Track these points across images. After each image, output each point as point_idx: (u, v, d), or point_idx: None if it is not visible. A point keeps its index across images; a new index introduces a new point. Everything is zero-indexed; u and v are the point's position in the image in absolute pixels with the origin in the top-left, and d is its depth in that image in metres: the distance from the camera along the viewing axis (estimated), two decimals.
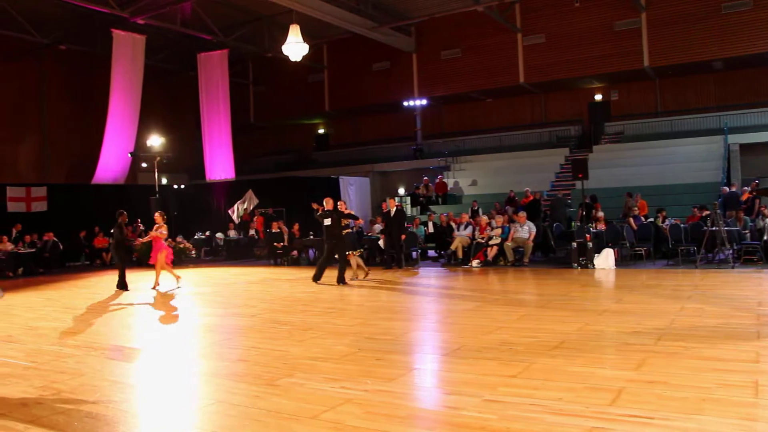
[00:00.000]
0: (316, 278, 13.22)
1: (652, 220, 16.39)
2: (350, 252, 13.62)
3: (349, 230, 13.72)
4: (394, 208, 16.27)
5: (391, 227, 16.15)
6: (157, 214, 13.49)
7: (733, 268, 12.91)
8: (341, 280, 12.84)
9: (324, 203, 13.39)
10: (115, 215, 13.33)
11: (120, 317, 10.01)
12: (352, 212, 13.65)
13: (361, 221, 13.61)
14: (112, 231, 13.68)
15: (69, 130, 29.45)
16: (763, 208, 15.98)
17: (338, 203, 13.63)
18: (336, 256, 13.19)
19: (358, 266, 13.80)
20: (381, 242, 17.08)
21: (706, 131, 25.21)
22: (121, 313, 10.37)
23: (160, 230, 13.19)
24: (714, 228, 13.28)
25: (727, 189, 17.92)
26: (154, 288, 13.13)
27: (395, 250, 16.23)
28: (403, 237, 16.36)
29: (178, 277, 13.46)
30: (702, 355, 5.83)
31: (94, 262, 21.72)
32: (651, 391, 4.77)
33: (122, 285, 13.17)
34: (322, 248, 13.53)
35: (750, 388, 4.78)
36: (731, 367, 5.38)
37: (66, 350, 7.30)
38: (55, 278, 17.04)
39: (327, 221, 13.06)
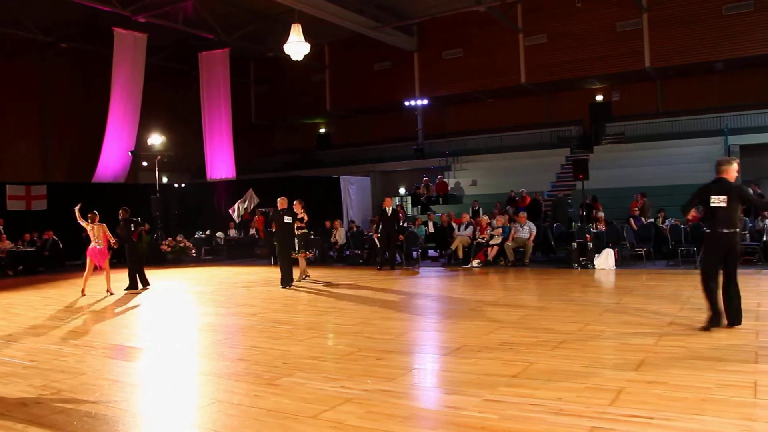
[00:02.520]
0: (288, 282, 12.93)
1: (652, 220, 16.38)
2: (303, 252, 13.60)
3: (304, 231, 13.63)
4: (391, 208, 16.24)
5: (388, 227, 16.10)
6: (90, 216, 12.62)
7: None
8: (288, 283, 12.73)
9: (278, 203, 13.30)
10: (119, 213, 13.24)
11: (120, 316, 10.02)
12: (305, 216, 13.55)
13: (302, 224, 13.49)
14: (118, 230, 13.40)
15: (70, 129, 29.46)
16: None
17: (294, 203, 13.47)
18: (290, 255, 13.09)
19: (300, 267, 13.77)
20: (376, 240, 17.10)
21: (707, 132, 25.21)
22: (120, 312, 10.37)
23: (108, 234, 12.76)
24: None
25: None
26: (111, 292, 12.58)
27: (390, 250, 16.19)
28: (401, 237, 16.33)
29: (84, 289, 12.54)
30: (701, 355, 5.84)
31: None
32: (651, 391, 4.77)
33: (145, 282, 13.33)
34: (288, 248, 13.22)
35: (749, 388, 4.79)
36: (731, 367, 5.38)
37: (66, 349, 7.31)
38: (55, 277, 17.05)
39: (288, 219, 12.94)
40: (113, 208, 13.50)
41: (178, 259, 20.64)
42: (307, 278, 13.82)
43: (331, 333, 7.94)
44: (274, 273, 15.84)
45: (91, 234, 12.54)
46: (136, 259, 13.44)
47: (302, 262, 13.82)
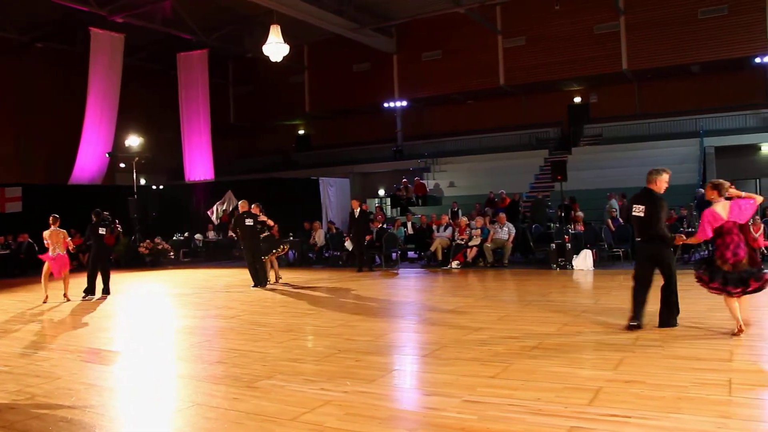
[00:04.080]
0: (262, 283, 12.97)
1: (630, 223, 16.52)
2: (272, 253, 13.54)
3: (267, 233, 13.59)
4: (358, 209, 16.24)
5: (357, 229, 16.11)
6: (51, 219, 11.94)
7: None
8: (262, 283, 12.81)
9: (239, 206, 13.27)
10: (92, 215, 12.64)
11: (96, 319, 9.89)
12: (269, 221, 13.55)
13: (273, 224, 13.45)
14: (88, 234, 12.80)
15: (46, 130, 29.01)
16: None
17: (252, 206, 13.40)
18: (254, 257, 13.07)
19: (273, 269, 13.72)
20: (347, 244, 17.10)
21: (683, 134, 25.55)
22: (97, 316, 10.25)
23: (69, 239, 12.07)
24: (690, 229, 13.44)
25: (702, 191, 18.12)
26: (68, 298, 11.96)
27: (360, 252, 16.20)
28: (368, 238, 16.35)
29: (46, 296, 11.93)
30: (678, 354, 5.90)
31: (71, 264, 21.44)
32: (629, 391, 4.81)
33: (106, 289, 12.57)
34: (255, 250, 13.19)
35: (724, 386, 4.86)
36: (706, 366, 5.46)
37: (41, 353, 7.21)
38: (30, 280, 16.79)
39: (249, 221, 12.91)
40: (90, 211, 13.23)
41: (156, 261, 20.46)
42: (279, 281, 13.74)
43: (310, 335, 7.92)
44: None
45: (49, 240, 11.69)
46: (99, 264, 12.50)
47: (274, 263, 13.74)
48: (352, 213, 16.34)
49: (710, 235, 6.63)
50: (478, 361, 5.94)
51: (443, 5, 24.84)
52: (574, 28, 26.45)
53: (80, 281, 12.73)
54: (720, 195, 6.64)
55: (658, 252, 7.01)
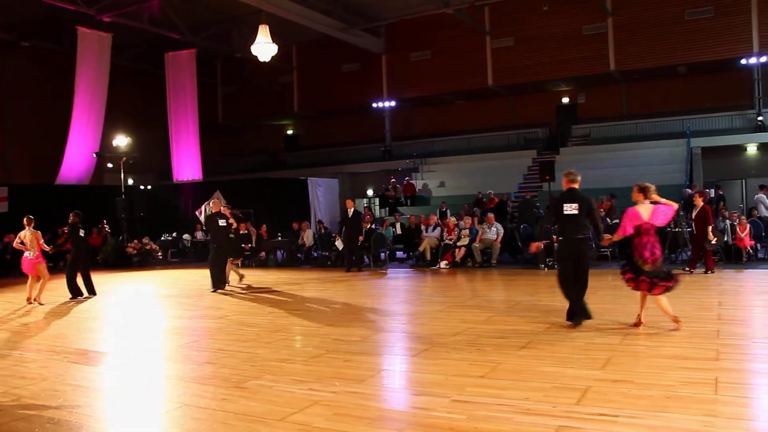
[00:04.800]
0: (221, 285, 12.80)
1: (617, 221, 16.61)
2: (231, 258, 13.40)
3: (232, 235, 13.54)
4: (352, 210, 16.23)
5: (349, 229, 16.09)
6: (26, 220, 11.76)
7: (695, 268, 13.13)
8: (219, 286, 12.64)
9: (212, 205, 13.19)
10: (70, 217, 12.17)
11: (83, 320, 9.84)
12: (234, 223, 13.49)
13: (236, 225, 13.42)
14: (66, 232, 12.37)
15: (33, 130, 28.85)
16: (723, 210, 16.32)
17: (222, 207, 13.29)
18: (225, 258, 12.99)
19: (233, 271, 13.57)
20: (338, 243, 17.06)
21: (670, 134, 25.70)
22: (84, 316, 10.19)
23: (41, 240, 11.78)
24: (677, 230, 13.52)
25: (689, 191, 18.25)
26: (40, 302, 11.65)
27: (354, 252, 16.18)
28: (360, 238, 16.35)
29: (39, 297, 11.76)
30: (666, 353, 5.95)
31: (57, 264, 21.29)
32: (617, 390, 4.84)
33: (90, 290, 12.36)
34: (224, 252, 13.07)
35: (711, 385, 4.90)
36: (693, 365, 5.50)
37: (27, 354, 7.16)
38: (17, 281, 16.64)
39: (222, 222, 12.82)
40: (77, 210, 13.06)
41: (144, 261, 20.38)
42: (242, 280, 13.58)
43: (298, 335, 7.91)
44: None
45: (24, 241, 11.52)
46: (79, 267, 12.19)
47: (231, 267, 13.46)
48: (345, 213, 16.31)
49: (630, 232, 7.06)
50: (467, 361, 5.96)
51: (431, 6, 24.88)
52: (562, 29, 26.57)
53: (59, 284, 12.60)
54: (645, 198, 7.07)
55: (583, 251, 7.44)
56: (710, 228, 12.58)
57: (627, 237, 7.22)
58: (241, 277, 13.71)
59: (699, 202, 12.69)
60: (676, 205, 7.28)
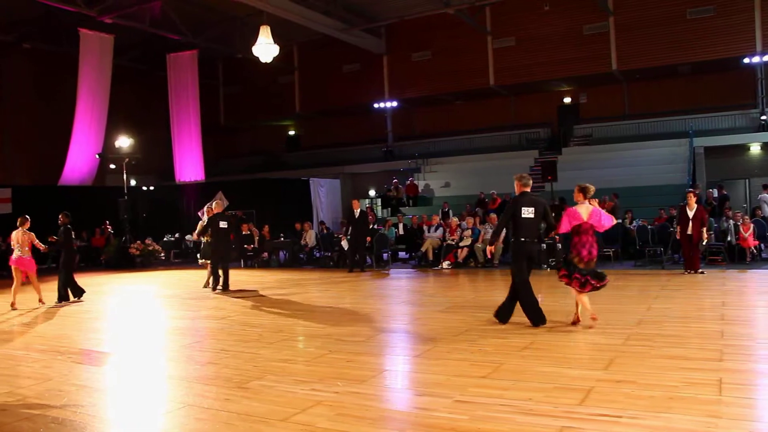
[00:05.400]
0: (220, 286, 12.82)
1: (620, 221, 16.60)
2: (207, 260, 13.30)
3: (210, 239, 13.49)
4: (359, 210, 16.22)
5: (357, 229, 16.09)
6: (19, 220, 11.32)
7: (698, 268, 13.13)
8: (222, 287, 12.70)
9: (215, 206, 13.21)
10: (59, 218, 11.81)
11: (87, 320, 9.85)
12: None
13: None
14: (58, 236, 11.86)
15: (35, 131, 28.86)
16: (727, 210, 16.31)
17: (206, 208, 13.30)
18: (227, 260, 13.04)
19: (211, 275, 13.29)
20: (344, 243, 17.04)
21: (672, 134, 25.64)
22: (87, 317, 10.21)
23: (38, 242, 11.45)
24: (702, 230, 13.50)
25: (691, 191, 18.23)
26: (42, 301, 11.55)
27: (358, 252, 16.17)
28: (368, 239, 16.32)
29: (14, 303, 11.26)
30: (669, 354, 5.93)
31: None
32: (619, 391, 4.84)
33: (77, 291, 12.02)
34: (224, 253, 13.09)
35: (714, 385, 4.89)
36: (697, 365, 5.49)
37: (31, 355, 7.18)
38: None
39: (224, 224, 12.84)
40: (80, 212, 13.03)
41: (146, 262, 20.40)
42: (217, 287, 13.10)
43: (300, 336, 7.91)
44: (244, 276, 15.78)
45: (14, 241, 11.14)
46: (73, 268, 12.13)
47: (210, 269, 13.26)
48: (351, 213, 16.28)
49: (567, 229, 7.43)
50: (469, 362, 5.96)
51: (432, 6, 24.86)
52: (563, 28, 26.53)
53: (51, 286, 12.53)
54: (585, 198, 7.42)
55: (536, 251, 7.88)
56: (705, 228, 12.63)
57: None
58: (210, 282, 13.23)
59: (693, 202, 12.74)
60: (615, 221, 7.74)
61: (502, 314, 7.76)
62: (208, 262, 13.27)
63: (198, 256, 14.55)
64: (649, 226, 15.36)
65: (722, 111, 25.36)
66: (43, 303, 11.50)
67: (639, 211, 17.92)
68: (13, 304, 11.09)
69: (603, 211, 7.52)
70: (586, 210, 7.32)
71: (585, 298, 7.32)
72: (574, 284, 7.27)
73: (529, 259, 7.70)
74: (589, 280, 7.18)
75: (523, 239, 7.61)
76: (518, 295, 7.65)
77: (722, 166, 25.01)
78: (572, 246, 7.37)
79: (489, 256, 9.23)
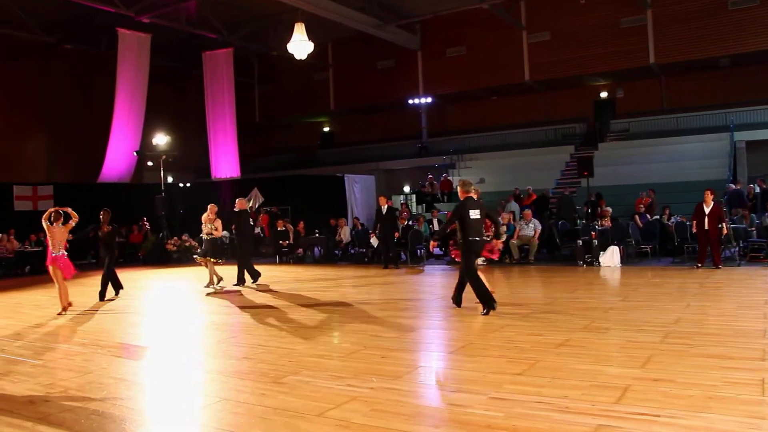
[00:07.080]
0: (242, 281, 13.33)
1: (657, 217, 16.34)
2: (209, 258, 13.22)
3: (213, 237, 13.50)
4: (386, 206, 16.20)
5: (384, 226, 16.10)
6: (53, 215, 10.36)
7: (739, 265, 12.87)
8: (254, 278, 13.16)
9: (237, 204, 13.62)
10: (100, 215, 11.56)
11: (126, 315, 10.03)
12: (217, 224, 13.57)
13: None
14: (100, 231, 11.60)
15: (74, 129, 29.55)
16: None
17: (209, 206, 13.47)
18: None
19: (213, 273, 13.15)
20: (373, 240, 17.04)
21: (712, 128, 25.07)
22: (126, 312, 10.39)
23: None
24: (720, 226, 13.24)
25: (732, 186, 17.85)
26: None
27: (390, 249, 16.17)
28: (396, 235, 16.31)
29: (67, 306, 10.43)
30: (708, 352, 5.82)
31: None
32: (657, 389, 4.76)
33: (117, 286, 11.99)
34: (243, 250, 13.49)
35: (756, 385, 4.77)
36: (737, 365, 5.37)
37: (73, 348, 7.33)
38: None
39: (250, 220, 13.17)
40: (118, 208, 13.26)
41: (183, 258, 20.65)
42: (220, 284, 13.07)
43: (336, 331, 7.94)
44: (279, 271, 15.92)
45: (50, 238, 10.20)
46: (112, 269, 11.78)
47: (211, 268, 13.17)
48: (379, 210, 16.30)
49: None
50: (505, 358, 5.92)
51: (467, 1, 24.72)
52: (599, 22, 26.18)
53: (85, 282, 12.74)
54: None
55: (480, 247, 8.79)
56: (724, 224, 12.72)
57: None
58: (212, 281, 13.13)
59: (709, 199, 12.79)
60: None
61: (457, 300, 8.98)
62: (207, 260, 13.31)
63: (197, 254, 14.67)
64: (688, 222, 15.07)
65: (764, 104, 24.72)
66: (64, 313, 10.11)
67: (677, 207, 17.60)
68: (70, 304, 10.31)
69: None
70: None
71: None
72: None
73: (475, 255, 8.73)
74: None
75: (471, 238, 8.55)
76: (470, 285, 8.58)
77: (765, 160, 24.40)
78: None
79: (431, 251, 10.21)
